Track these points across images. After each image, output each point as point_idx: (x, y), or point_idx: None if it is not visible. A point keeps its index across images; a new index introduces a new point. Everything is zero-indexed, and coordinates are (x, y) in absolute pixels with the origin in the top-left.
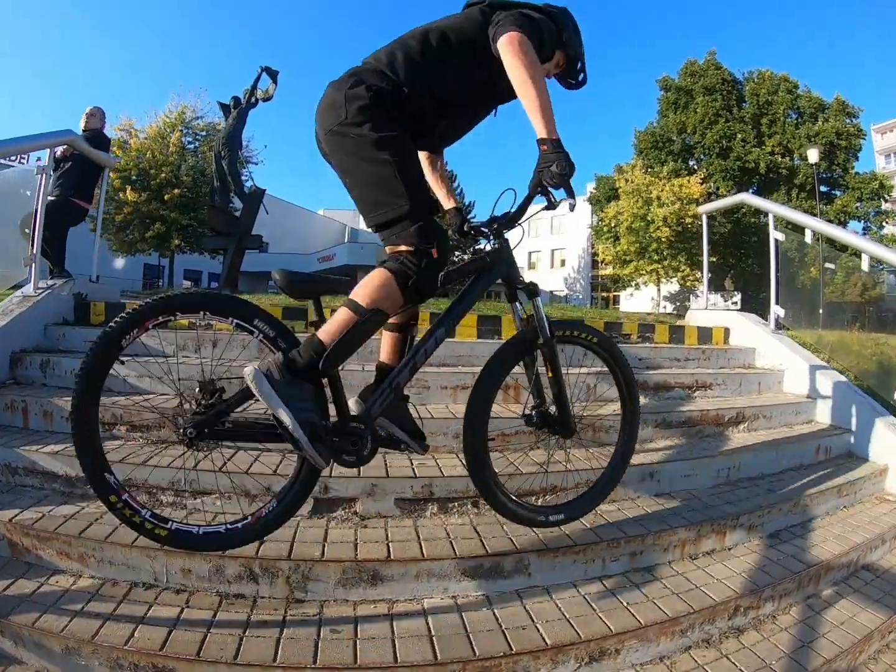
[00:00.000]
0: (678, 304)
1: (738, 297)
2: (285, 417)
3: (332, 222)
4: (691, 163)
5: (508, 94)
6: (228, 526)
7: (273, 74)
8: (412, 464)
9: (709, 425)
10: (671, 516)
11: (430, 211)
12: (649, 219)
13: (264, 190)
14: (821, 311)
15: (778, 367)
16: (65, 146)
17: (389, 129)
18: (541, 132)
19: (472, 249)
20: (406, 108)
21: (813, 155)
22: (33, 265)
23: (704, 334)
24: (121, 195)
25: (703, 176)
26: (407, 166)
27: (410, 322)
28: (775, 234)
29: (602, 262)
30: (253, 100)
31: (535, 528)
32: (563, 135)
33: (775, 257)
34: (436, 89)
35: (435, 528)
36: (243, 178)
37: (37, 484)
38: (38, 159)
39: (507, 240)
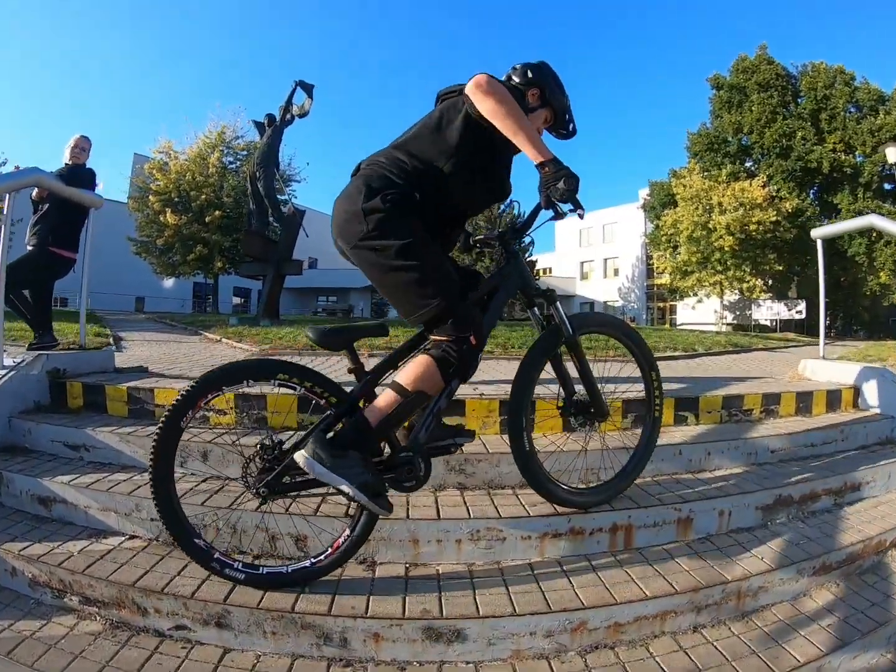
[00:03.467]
0: (738, 313)
1: (802, 306)
2: (345, 488)
3: None
4: (748, 164)
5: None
6: (313, 560)
7: (308, 89)
8: None
9: (869, 556)
10: None
11: (461, 301)
12: (711, 227)
13: (303, 212)
14: None
15: None
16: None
17: (411, 234)
18: (535, 157)
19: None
20: (423, 210)
21: (892, 154)
22: None
23: (833, 399)
24: (161, 218)
25: (764, 178)
26: (432, 264)
27: None
28: None
29: (659, 271)
30: (288, 116)
31: None
32: (613, 144)
33: None
34: (444, 188)
35: None
36: (285, 197)
37: None
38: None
39: (516, 252)
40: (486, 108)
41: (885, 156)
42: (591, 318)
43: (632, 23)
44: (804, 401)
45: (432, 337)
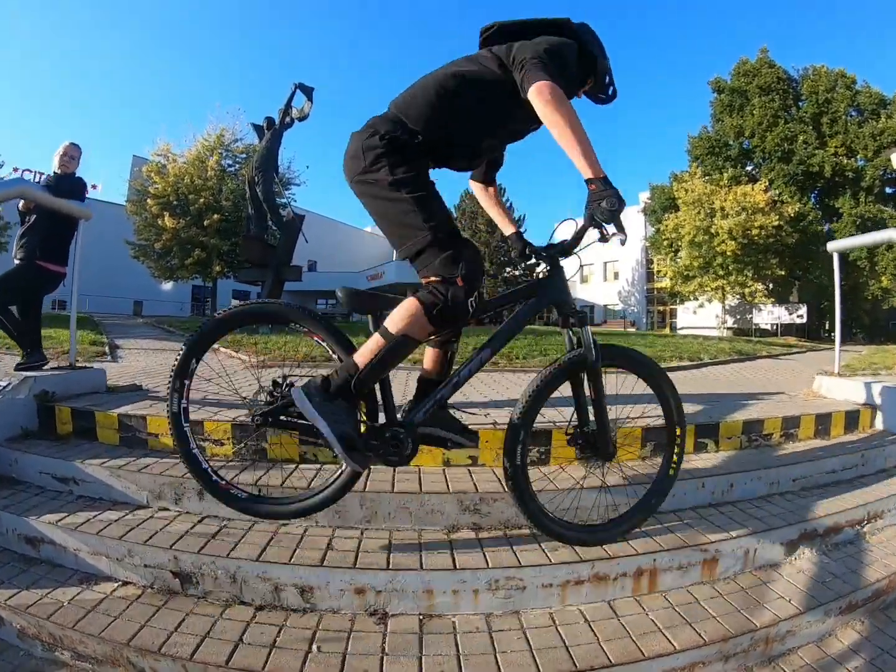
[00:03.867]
0: (738, 317)
1: (803, 311)
2: (323, 429)
3: (379, 239)
4: (749, 168)
5: (531, 123)
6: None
7: (308, 91)
8: None
9: (893, 591)
10: None
11: (454, 240)
12: (713, 231)
13: (303, 216)
14: None
15: None
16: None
17: (404, 170)
18: (587, 173)
19: (523, 266)
20: (422, 149)
21: None
22: None
23: (850, 419)
24: (159, 222)
25: (765, 183)
26: (424, 200)
27: (451, 339)
28: None
29: (660, 273)
30: (287, 119)
31: None
32: (613, 145)
33: None
34: (453, 135)
35: None
36: (285, 200)
37: None
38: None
39: (560, 267)
40: (548, 118)
41: (887, 160)
42: (624, 353)
43: (631, 23)
44: (823, 423)
45: (422, 278)
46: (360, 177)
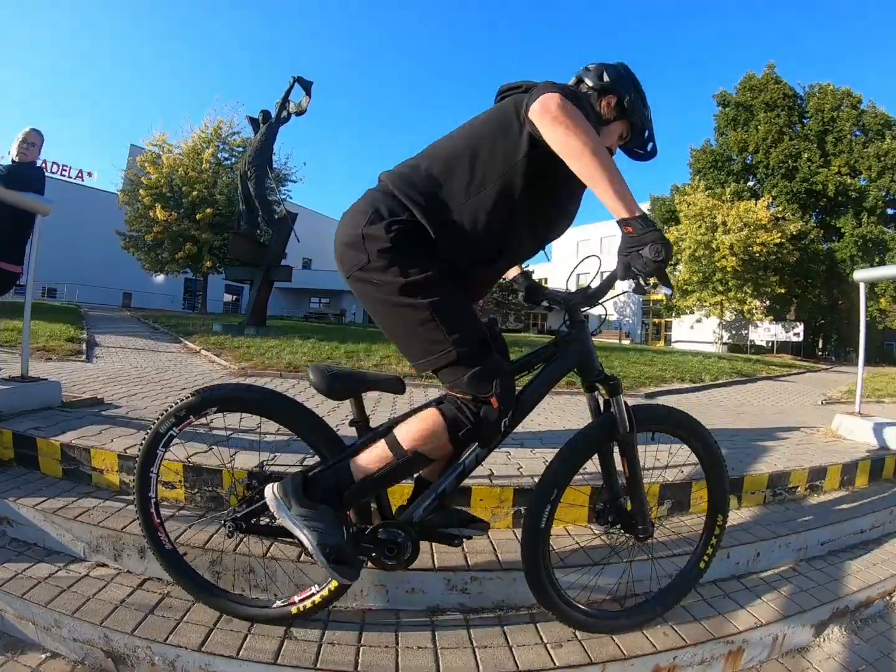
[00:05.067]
0: (734, 332)
1: (800, 329)
2: (305, 541)
3: None
4: (751, 183)
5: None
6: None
7: (307, 85)
8: None
9: None
10: None
11: (483, 352)
12: (714, 246)
13: (296, 214)
14: None
15: None
16: None
17: (419, 269)
18: (619, 212)
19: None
20: (440, 252)
21: None
22: None
23: (875, 468)
24: (151, 213)
25: (768, 199)
26: (446, 306)
27: None
28: None
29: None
30: (284, 114)
31: None
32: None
33: None
34: (479, 230)
35: None
36: (280, 196)
37: None
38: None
39: (583, 321)
40: (557, 139)
41: (891, 181)
42: (661, 413)
43: (638, 31)
44: (848, 472)
45: (447, 391)
46: (362, 274)
